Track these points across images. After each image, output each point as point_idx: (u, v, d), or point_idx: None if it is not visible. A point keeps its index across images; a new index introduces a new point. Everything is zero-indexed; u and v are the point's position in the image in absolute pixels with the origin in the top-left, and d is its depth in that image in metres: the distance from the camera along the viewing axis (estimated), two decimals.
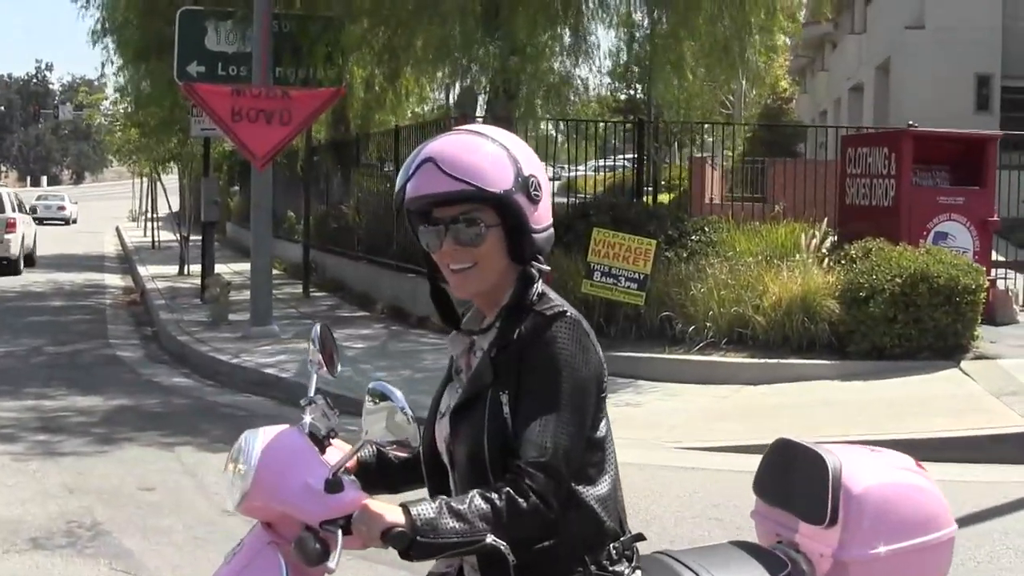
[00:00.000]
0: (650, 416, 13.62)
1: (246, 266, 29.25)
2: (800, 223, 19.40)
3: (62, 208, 78.64)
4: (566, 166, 24.92)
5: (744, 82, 23.58)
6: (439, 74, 21.14)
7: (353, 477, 3.52)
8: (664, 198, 28.31)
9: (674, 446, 12.32)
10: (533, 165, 3.50)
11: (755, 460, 11.20)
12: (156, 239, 42.83)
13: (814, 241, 17.68)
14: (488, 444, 3.40)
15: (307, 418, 3.58)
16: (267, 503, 3.44)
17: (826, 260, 17.23)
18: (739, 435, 12.64)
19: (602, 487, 3.52)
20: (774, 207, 21.85)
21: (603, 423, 3.58)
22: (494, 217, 3.45)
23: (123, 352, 19.14)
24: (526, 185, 3.45)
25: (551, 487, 3.29)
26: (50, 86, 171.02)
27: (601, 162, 31.36)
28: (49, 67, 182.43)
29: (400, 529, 3.18)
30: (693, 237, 19.04)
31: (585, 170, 31.30)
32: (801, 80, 68.12)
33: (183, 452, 11.73)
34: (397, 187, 3.52)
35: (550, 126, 22.70)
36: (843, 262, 17.00)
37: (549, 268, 3.58)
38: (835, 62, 57.93)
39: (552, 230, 3.58)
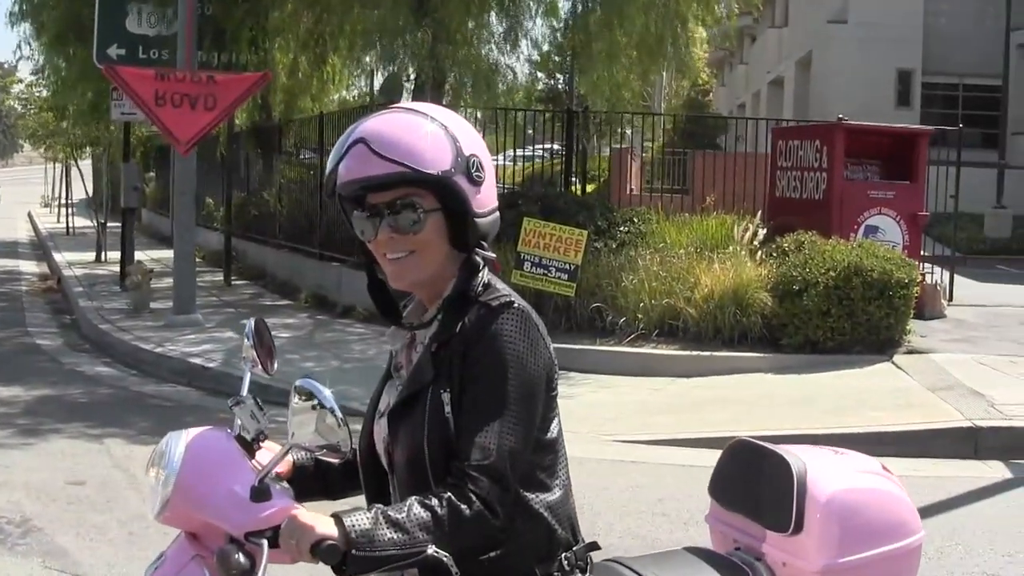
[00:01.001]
0: (584, 408, 13.45)
1: (164, 253, 29.03)
2: (730, 215, 19.32)
3: None
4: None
5: (669, 74, 23.54)
6: (368, 59, 20.89)
7: (285, 484, 3.29)
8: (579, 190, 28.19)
9: (611, 439, 12.17)
10: (474, 144, 3.26)
11: (695, 454, 11.17)
12: (71, 225, 42.16)
13: (747, 234, 17.59)
14: (428, 447, 3.16)
15: (237, 420, 3.30)
16: (190, 512, 3.19)
17: (759, 253, 17.13)
18: (676, 428, 12.54)
19: (553, 493, 3.29)
20: (703, 199, 21.79)
21: (554, 423, 3.34)
22: (433, 201, 3.20)
23: (42, 340, 18.74)
24: (467, 165, 3.20)
25: (496, 492, 3.06)
26: None
27: (520, 151, 31.23)
28: None
29: (331, 542, 2.92)
30: (622, 228, 18.90)
31: (504, 160, 31.18)
32: (719, 73, 68.36)
33: (112, 444, 11.42)
34: (328, 170, 3.27)
35: (478, 114, 22.44)
36: (775, 255, 16.93)
37: (495, 256, 3.33)
38: (755, 55, 58.15)
39: (497, 214, 3.32)
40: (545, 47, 27.88)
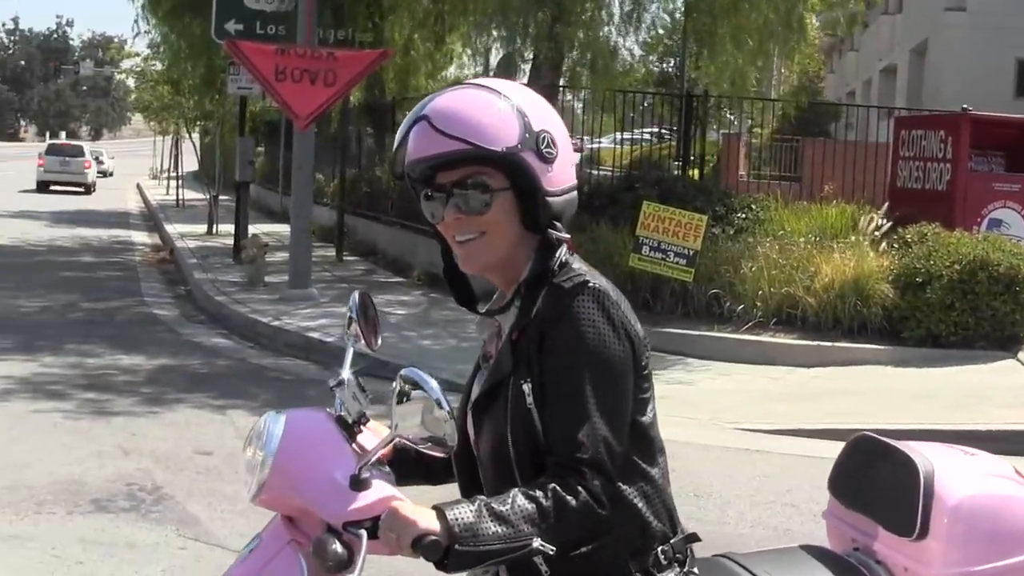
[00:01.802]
0: (703, 395, 13.38)
1: (272, 227, 29.20)
2: (852, 205, 19.11)
3: (101, 162, 72.73)
4: (587, 138, 24.67)
5: (779, 59, 23.28)
6: (487, 38, 20.76)
7: (388, 469, 3.15)
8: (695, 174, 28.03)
9: (732, 427, 12.06)
10: (546, 120, 3.09)
11: (818, 445, 11.04)
12: (180, 198, 42.50)
13: (872, 225, 17.33)
14: (513, 440, 3.03)
15: (337, 400, 3.20)
16: (287, 496, 3.07)
17: (883, 243, 16.89)
18: (797, 418, 12.40)
19: (649, 482, 3.11)
20: (814, 187, 21.58)
21: (648, 407, 3.16)
22: (502, 180, 3.05)
23: (159, 311, 18.89)
24: (536, 142, 3.04)
25: (600, 484, 2.90)
26: (70, 42, 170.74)
27: (625, 135, 31.08)
28: (70, 23, 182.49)
29: (434, 537, 2.78)
30: (740, 214, 18.78)
31: (610, 143, 31.02)
32: (828, 60, 67.65)
33: (235, 416, 11.47)
34: (394, 149, 3.15)
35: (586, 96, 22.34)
36: (897, 246, 16.71)
37: (569, 236, 3.14)
38: (866, 42, 57.44)
39: (575, 194, 3.14)
40: (659, 30, 27.67)
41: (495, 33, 20.36)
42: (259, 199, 42.29)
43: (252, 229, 26.93)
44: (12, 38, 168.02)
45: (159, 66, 36.30)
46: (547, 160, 3.05)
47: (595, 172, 23.34)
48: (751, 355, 15.37)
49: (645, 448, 3.12)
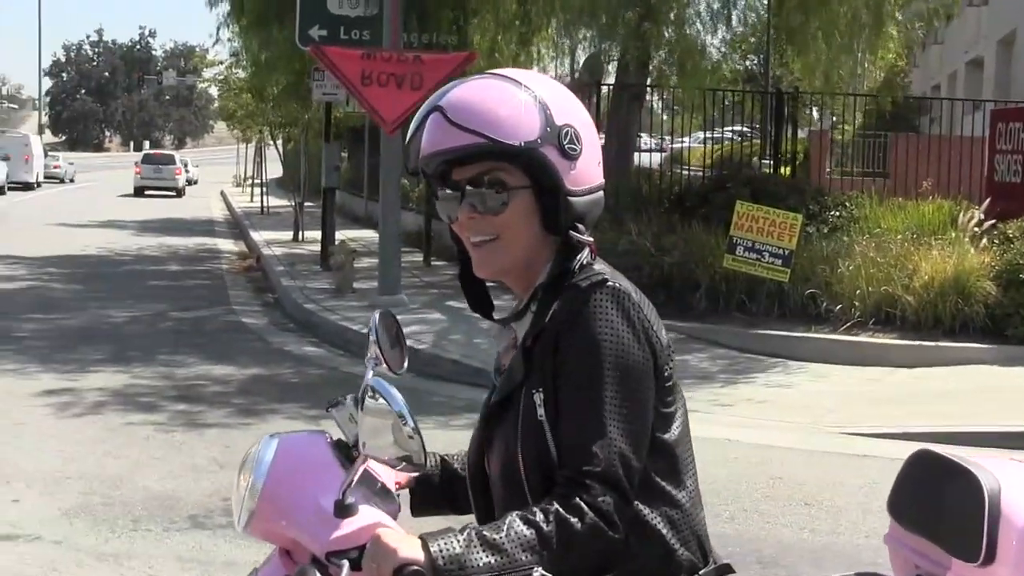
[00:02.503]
0: (803, 398, 13.15)
1: (358, 233, 29.15)
2: (948, 200, 18.75)
3: (187, 169, 74.97)
4: (668, 137, 24.44)
5: (863, 54, 22.90)
6: (580, 36, 20.52)
7: (393, 494, 2.95)
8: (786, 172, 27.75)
9: (836, 431, 11.79)
10: (570, 113, 2.84)
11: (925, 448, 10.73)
12: (265, 204, 42.59)
13: (972, 222, 16.95)
14: (523, 455, 2.77)
15: (339, 419, 3.02)
16: (277, 526, 2.89)
17: (983, 239, 16.52)
18: (901, 420, 12.14)
19: (675, 505, 2.82)
20: (902, 183, 21.25)
21: (676, 421, 2.86)
22: (522, 177, 2.80)
23: (247, 319, 18.84)
24: (558, 136, 2.79)
25: (612, 501, 2.63)
26: (153, 52, 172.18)
27: (709, 134, 30.78)
28: (152, 34, 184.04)
29: (416, 568, 2.57)
30: (834, 212, 18.51)
31: (694, 141, 30.77)
32: (912, 54, 66.84)
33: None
34: (408, 141, 2.92)
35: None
36: (997, 242, 16.35)
37: (592, 239, 2.88)
38: (951, 35, 56.68)
39: (600, 194, 2.89)
40: (741, 28, 27.34)
41: (582, 33, 20.12)
42: (343, 205, 42.30)
43: (338, 235, 26.87)
44: (96, 50, 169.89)
45: (241, 74, 36.42)
46: (570, 157, 2.81)
47: (685, 172, 23.05)
48: (849, 356, 15.10)
49: (670, 468, 2.82)
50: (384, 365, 3.09)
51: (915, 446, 9.67)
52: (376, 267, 20.54)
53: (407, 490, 3.15)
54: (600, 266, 2.85)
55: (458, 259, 3.03)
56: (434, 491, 3.18)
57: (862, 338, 15.50)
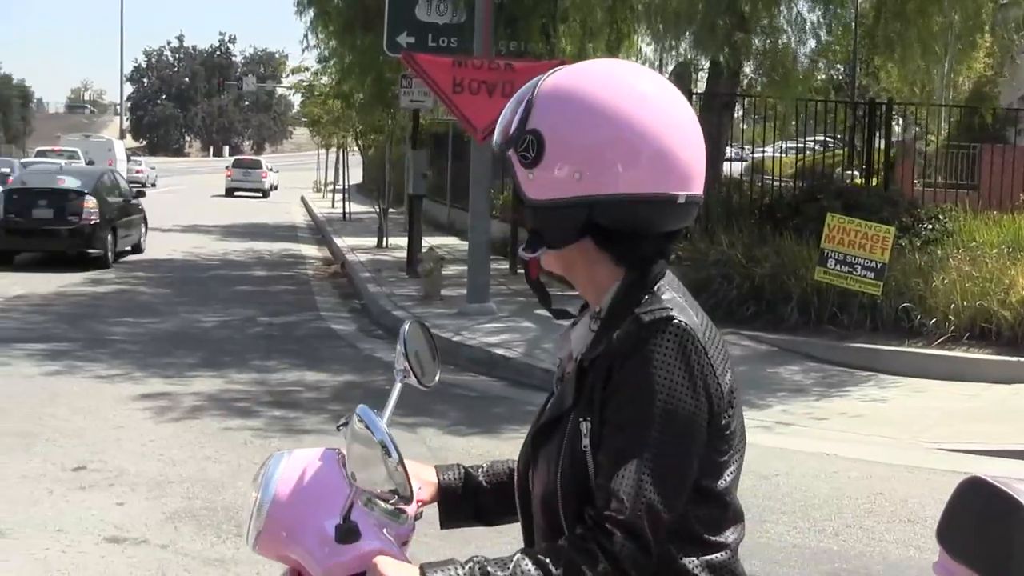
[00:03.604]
0: (899, 413, 13.01)
1: (440, 240, 29.17)
2: None
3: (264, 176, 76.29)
4: (747, 147, 24.32)
5: (950, 64, 22.70)
6: (667, 44, 20.45)
7: (406, 516, 2.82)
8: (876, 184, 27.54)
9: (935, 447, 11.64)
10: (553, 119, 2.62)
11: None
12: (347, 210, 42.75)
13: None
14: (561, 482, 2.64)
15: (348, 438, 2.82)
16: (284, 546, 2.82)
17: None
18: (1002, 438, 11.98)
19: (717, 553, 2.67)
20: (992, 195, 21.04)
21: (729, 470, 2.69)
22: None
23: (336, 325, 18.90)
24: (516, 141, 2.65)
25: (629, 551, 2.48)
26: (233, 58, 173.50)
27: (790, 143, 30.59)
28: (232, 39, 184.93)
29: None
30: (927, 225, 18.33)
31: (771, 151, 30.56)
32: (1001, 63, 66.12)
33: (426, 434, 11.31)
34: None
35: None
36: None
37: (531, 256, 2.73)
38: None
39: (572, 212, 2.62)
40: (828, 38, 27.20)
41: (670, 41, 20.02)
42: (426, 211, 42.41)
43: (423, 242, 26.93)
44: (177, 55, 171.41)
45: (326, 80, 36.57)
46: (524, 163, 2.65)
47: (774, 182, 22.91)
48: (943, 371, 14.91)
49: (715, 516, 2.67)
50: (413, 377, 3.03)
51: (1017, 463, 9.55)
52: (461, 275, 20.60)
53: (435, 503, 3.07)
54: (669, 296, 2.66)
55: None
56: (459, 503, 3.09)
57: (957, 353, 15.31)
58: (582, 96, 2.65)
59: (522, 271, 13.52)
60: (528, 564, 2.48)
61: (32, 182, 28.45)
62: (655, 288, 2.67)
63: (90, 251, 26.46)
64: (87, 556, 7.93)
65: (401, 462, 2.58)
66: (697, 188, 2.69)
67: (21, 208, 26.35)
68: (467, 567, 2.50)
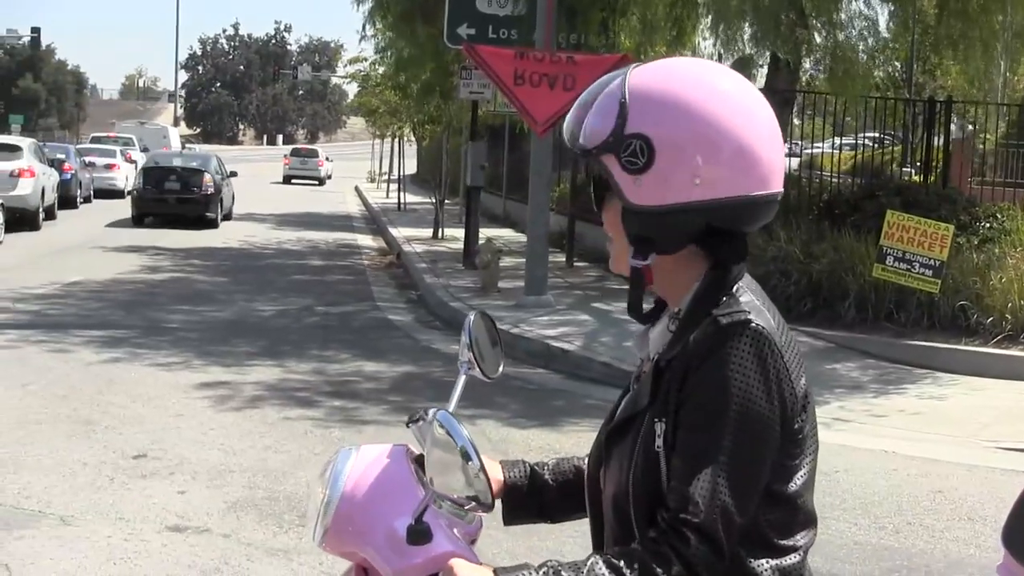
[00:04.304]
0: (958, 411, 12.99)
1: (495, 232, 29.21)
2: None
3: (320, 164, 78.76)
4: (799, 142, 24.24)
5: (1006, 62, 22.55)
6: (730, 37, 20.35)
7: (466, 516, 2.81)
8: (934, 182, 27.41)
9: (994, 446, 11.63)
10: (657, 122, 2.58)
11: None
12: (402, 201, 42.86)
13: None
14: (633, 483, 2.63)
15: (419, 436, 2.93)
16: (353, 544, 2.81)
17: None
18: None
19: (786, 558, 2.65)
20: None
21: (800, 473, 2.67)
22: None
23: (393, 316, 18.98)
24: (618, 145, 2.57)
25: (703, 555, 2.48)
26: (288, 47, 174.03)
27: (842, 140, 30.41)
28: (288, 28, 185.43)
29: None
30: (985, 223, 18.26)
31: (823, 147, 30.42)
32: None
33: (486, 426, 11.34)
34: None
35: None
36: None
37: (645, 262, 2.66)
38: None
39: (691, 216, 2.60)
40: (885, 34, 27.07)
41: (729, 34, 19.92)
42: (482, 203, 42.46)
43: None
44: (232, 44, 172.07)
45: (383, 70, 36.65)
46: (630, 170, 2.58)
47: (832, 179, 22.85)
48: (1001, 369, 14.86)
49: (785, 520, 2.66)
50: (477, 369, 3.03)
51: None
52: (518, 267, 20.65)
53: (499, 500, 3.01)
54: (747, 298, 2.66)
55: None
56: (524, 501, 3.06)
57: (1014, 352, 15.26)
58: (685, 98, 2.61)
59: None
60: (602, 567, 2.49)
61: (162, 162, 37.59)
62: (734, 289, 2.67)
63: (207, 214, 35.61)
64: (149, 544, 8.01)
65: (483, 469, 2.60)
66: (781, 185, 2.71)
67: (155, 182, 35.45)
68: (541, 572, 2.51)
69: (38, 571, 7.46)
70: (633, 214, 2.63)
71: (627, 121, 2.58)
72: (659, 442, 2.60)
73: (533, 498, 3.06)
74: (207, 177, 35.85)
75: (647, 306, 2.83)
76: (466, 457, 2.57)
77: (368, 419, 11.71)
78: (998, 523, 8.12)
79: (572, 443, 10.61)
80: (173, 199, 35.43)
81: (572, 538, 7.59)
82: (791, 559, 2.65)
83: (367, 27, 28.58)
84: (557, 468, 3.12)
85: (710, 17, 20.10)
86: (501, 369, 3.12)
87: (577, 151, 2.67)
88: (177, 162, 37.64)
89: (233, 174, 40.16)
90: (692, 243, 2.68)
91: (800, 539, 2.68)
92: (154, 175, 35.77)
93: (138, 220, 34.99)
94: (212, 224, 35.22)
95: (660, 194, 2.60)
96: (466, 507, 2.69)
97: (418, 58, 27.34)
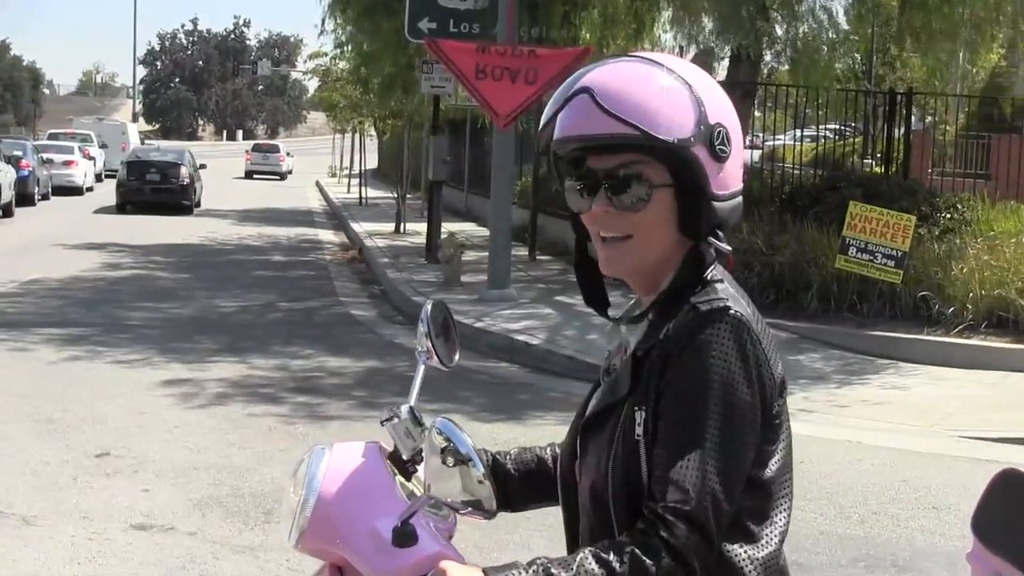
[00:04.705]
0: (921, 401, 13.08)
1: (458, 226, 29.23)
2: None
3: (281, 160, 79.18)
4: (760, 134, 24.31)
5: (966, 54, 22.67)
6: (690, 32, 20.40)
7: (447, 515, 2.82)
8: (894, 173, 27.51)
9: (956, 435, 11.70)
10: (722, 111, 2.65)
11: None
12: (363, 196, 42.78)
13: None
14: (612, 473, 2.60)
15: (394, 434, 2.86)
16: (329, 544, 2.77)
17: None
18: (1022, 427, 11.99)
19: (763, 546, 2.63)
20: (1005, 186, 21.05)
21: (775, 459, 2.66)
22: (664, 175, 2.61)
23: (356, 311, 18.96)
24: (710, 135, 2.60)
25: (694, 544, 2.45)
26: (247, 42, 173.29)
27: (802, 132, 30.52)
28: (247, 23, 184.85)
29: None
30: (945, 214, 18.35)
31: (784, 139, 30.53)
32: (1010, 53, 65.90)
33: (454, 420, 11.31)
34: (542, 123, 2.69)
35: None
36: None
37: (730, 248, 2.72)
38: None
39: (740, 200, 2.71)
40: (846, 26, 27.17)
41: (688, 30, 19.97)
42: (443, 197, 42.42)
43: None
44: (191, 39, 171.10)
45: (343, 65, 36.54)
46: (720, 159, 2.63)
47: (794, 170, 22.94)
48: (962, 359, 14.96)
49: (760, 506, 2.64)
50: (435, 359, 3.03)
51: None
52: (481, 261, 20.66)
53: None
54: (723, 287, 2.67)
55: (575, 248, 2.87)
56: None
57: (975, 341, 15.35)
58: (722, 93, 2.72)
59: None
60: (592, 563, 2.45)
61: (143, 156, 43.39)
62: (710, 278, 2.67)
63: (183, 202, 40.83)
64: (114, 543, 7.97)
65: (487, 475, 2.57)
66: None
67: (137, 174, 40.70)
68: (531, 570, 2.47)
69: (0, 572, 7.41)
70: (713, 202, 2.66)
71: (707, 111, 2.61)
72: (639, 431, 2.58)
73: (496, 487, 2.92)
74: (183, 169, 41.24)
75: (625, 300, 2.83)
76: (471, 463, 2.53)
77: (333, 415, 11.70)
78: (963, 511, 8.15)
79: (537, 436, 10.56)
80: (153, 188, 40.34)
81: (539, 531, 7.62)
82: (769, 546, 2.64)
83: (327, 22, 28.41)
84: (519, 458, 3.09)
85: (671, 10, 20.10)
86: (457, 357, 3.10)
87: (673, 144, 2.60)
88: (156, 156, 43.29)
89: (203, 166, 44.89)
90: (679, 230, 2.68)
91: (776, 526, 2.67)
92: (136, 168, 41.03)
93: (121, 208, 39.54)
94: (187, 211, 40.39)
95: (731, 182, 2.69)
96: (462, 512, 2.64)
97: (379, 52, 27.20)
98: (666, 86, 2.60)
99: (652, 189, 2.62)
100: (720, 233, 2.68)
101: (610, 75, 2.63)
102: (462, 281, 20.04)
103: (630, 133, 2.56)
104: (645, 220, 2.64)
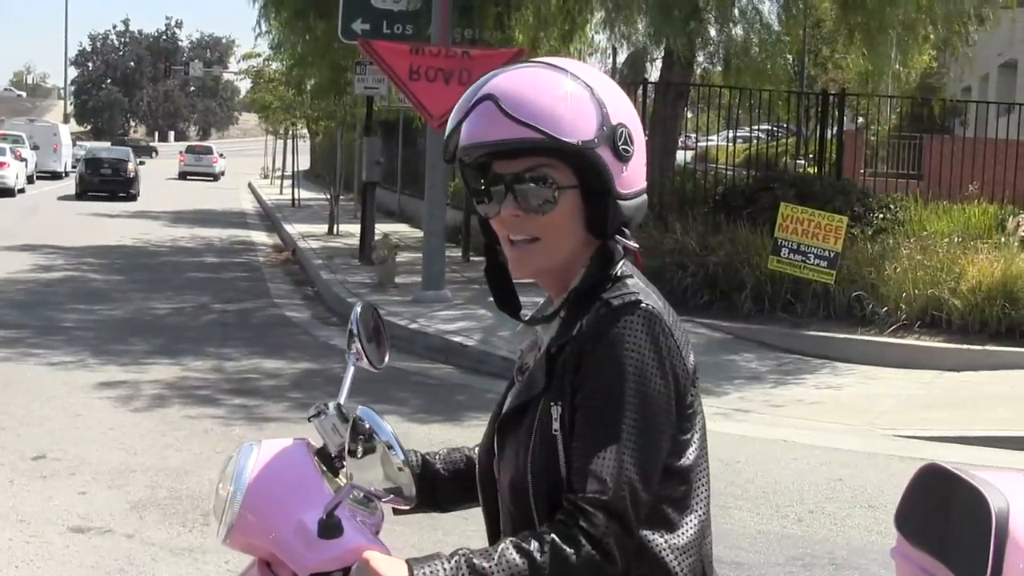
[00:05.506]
0: (855, 400, 13.17)
1: (391, 227, 29.22)
2: (993, 205, 18.73)
3: (215, 161, 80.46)
4: (692, 135, 24.41)
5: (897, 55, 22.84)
6: (623, 33, 20.47)
7: (377, 508, 2.87)
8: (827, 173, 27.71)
9: (891, 434, 11.78)
10: (624, 112, 2.69)
11: (985, 454, 10.76)
12: (297, 197, 42.66)
13: (1021, 226, 16.95)
14: (532, 468, 2.65)
15: (321, 430, 2.92)
16: (257, 539, 2.81)
17: None
18: (957, 425, 12.15)
19: (682, 533, 2.68)
20: (935, 185, 21.25)
21: (691, 448, 2.72)
22: (570, 176, 2.65)
23: (290, 312, 18.88)
24: (613, 136, 2.64)
25: (613, 533, 2.50)
26: (179, 43, 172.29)
27: (735, 132, 30.71)
28: (179, 24, 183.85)
29: None
30: (879, 214, 18.49)
31: (717, 140, 30.73)
32: (941, 55, 66.49)
33: (390, 422, 11.28)
34: (448, 130, 2.74)
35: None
36: None
37: (637, 246, 2.75)
38: (983, 37, 56.42)
39: (645, 198, 2.76)
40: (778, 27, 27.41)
41: (622, 30, 20.03)
42: (376, 199, 42.38)
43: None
44: (123, 40, 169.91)
45: (276, 66, 36.42)
46: (623, 158, 2.67)
47: (727, 171, 23.05)
48: (896, 358, 15.08)
49: (680, 495, 2.69)
50: (365, 360, 3.07)
51: (973, 450, 9.72)
52: (415, 262, 20.64)
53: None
54: (634, 281, 2.72)
55: (485, 253, 2.89)
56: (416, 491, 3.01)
57: (908, 341, 15.48)
58: (621, 92, 2.77)
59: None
60: (513, 553, 2.49)
61: (98, 154, 53.83)
62: (619, 274, 2.72)
63: (130, 191, 50.89)
64: (52, 547, 7.89)
65: (407, 463, 2.59)
66: None
67: (93, 168, 50.83)
68: (452, 561, 2.50)
69: None
70: (616, 201, 2.69)
71: (609, 112, 2.67)
72: (556, 425, 2.63)
73: (425, 487, 3.06)
74: (130, 165, 52.10)
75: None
76: (391, 450, 2.55)
77: (270, 416, 11.62)
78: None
79: (475, 437, 10.41)
80: (104, 180, 50.52)
81: (477, 532, 7.53)
82: (688, 533, 2.69)
83: (262, 23, 28.31)
84: (448, 458, 3.14)
85: (603, 11, 20.16)
86: (387, 359, 3.14)
87: (565, 147, 2.63)
88: (106, 154, 54.29)
89: (142, 162, 55.38)
90: (586, 230, 2.73)
91: (695, 514, 2.72)
92: (93, 163, 51.43)
93: (81, 195, 49.21)
94: (133, 198, 50.13)
95: (635, 181, 2.74)
96: (384, 499, 2.66)
97: (313, 54, 27.17)
98: (569, 90, 2.64)
99: (558, 191, 2.66)
100: (626, 231, 2.73)
101: (513, 81, 2.67)
102: (396, 282, 20.00)
103: (534, 137, 2.60)
104: (552, 221, 2.67)
